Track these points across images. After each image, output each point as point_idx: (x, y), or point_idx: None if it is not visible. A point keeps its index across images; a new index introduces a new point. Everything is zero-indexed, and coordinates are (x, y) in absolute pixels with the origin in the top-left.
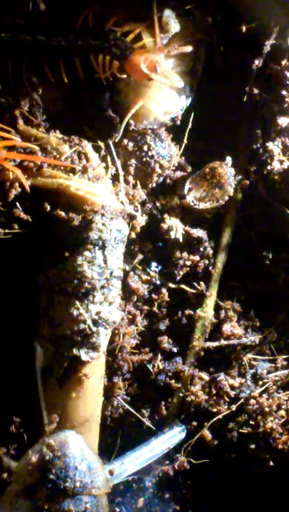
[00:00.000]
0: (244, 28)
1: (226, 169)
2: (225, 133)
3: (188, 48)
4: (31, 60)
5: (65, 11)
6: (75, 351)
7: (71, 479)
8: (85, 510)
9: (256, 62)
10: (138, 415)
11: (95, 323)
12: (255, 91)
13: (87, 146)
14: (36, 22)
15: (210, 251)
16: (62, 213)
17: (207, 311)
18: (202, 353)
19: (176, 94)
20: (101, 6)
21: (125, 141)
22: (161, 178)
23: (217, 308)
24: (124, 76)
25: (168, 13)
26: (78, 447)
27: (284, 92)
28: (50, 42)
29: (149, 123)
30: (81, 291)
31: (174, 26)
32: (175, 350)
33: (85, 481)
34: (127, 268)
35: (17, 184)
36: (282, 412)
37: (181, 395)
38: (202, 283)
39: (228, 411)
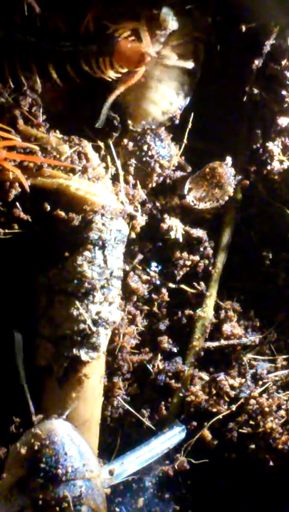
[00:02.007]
0: (244, 28)
1: (226, 169)
2: (225, 133)
3: (190, 65)
4: (27, 61)
5: (60, 14)
6: (75, 351)
7: (62, 465)
8: (80, 495)
9: (256, 62)
10: (138, 415)
11: (95, 323)
12: (255, 91)
13: (87, 146)
14: (32, 25)
15: (210, 251)
16: (62, 213)
17: (207, 311)
18: (202, 353)
19: (174, 93)
20: (100, 6)
21: (125, 141)
22: (161, 178)
23: (217, 308)
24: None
25: (165, 11)
26: (65, 433)
27: (284, 92)
28: (44, 46)
29: (147, 123)
30: (81, 291)
31: (172, 24)
32: (175, 350)
33: (76, 466)
34: (127, 268)
35: (17, 184)
36: (282, 412)
37: (181, 395)
38: (202, 283)
39: (228, 411)
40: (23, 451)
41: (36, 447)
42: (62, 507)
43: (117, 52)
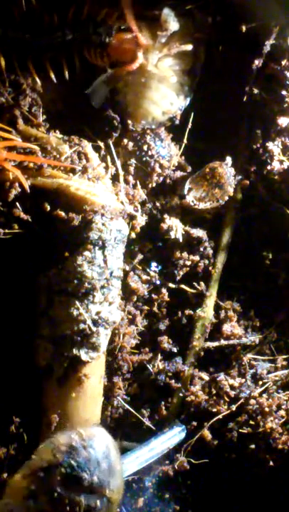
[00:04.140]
0: (244, 28)
1: (226, 169)
2: (225, 133)
3: (189, 47)
4: (24, 59)
5: (59, 9)
6: (75, 351)
7: (90, 472)
8: (94, 507)
9: (256, 62)
10: (138, 415)
11: (95, 323)
12: (255, 91)
13: (87, 146)
14: (27, 21)
15: (210, 251)
16: (62, 213)
17: (207, 311)
18: (202, 353)
19: (175, 93)
20: (101, 5)
21: (125, 140)
22: (161, 178)
23: (217, 308)
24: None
25: (167, 12)
26: (105, 445)
27: (284, 92)
28: (39, 42)
29: (147, 123)
30: (81, 291)
31: (173, 25)
32: (175, 350)
33: (102, 479)
34: (127, 268)
35: (17, 184)
36: (282, 412)
37: (181, 395)
38: (202, 283)
39: (228, 411)
40: (61, 440)
41: (74, 443)
42: (73, 510)
43: (112, 45)
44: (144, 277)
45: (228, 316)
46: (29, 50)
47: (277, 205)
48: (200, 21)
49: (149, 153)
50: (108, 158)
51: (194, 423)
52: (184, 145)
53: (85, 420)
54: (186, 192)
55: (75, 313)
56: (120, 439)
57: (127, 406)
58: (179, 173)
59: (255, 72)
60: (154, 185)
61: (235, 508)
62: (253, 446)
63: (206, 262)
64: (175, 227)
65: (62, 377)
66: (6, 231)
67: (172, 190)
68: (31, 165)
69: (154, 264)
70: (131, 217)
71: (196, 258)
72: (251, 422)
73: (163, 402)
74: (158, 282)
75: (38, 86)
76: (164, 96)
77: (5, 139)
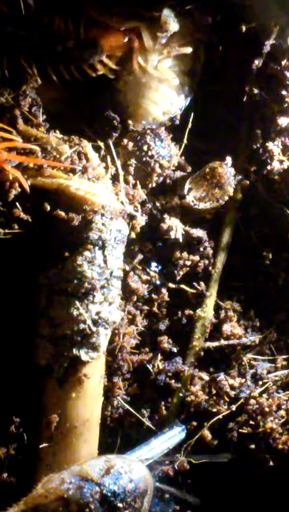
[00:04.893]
0: (244, 28)
1: (226, 169)
2: (225, 133)
3: (189, 49)
4: (16, 56)
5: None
6: (75, 351)
7: (127, 505)
8: None
9: (256, 62)
10: (138, 415)
11: (95, 323)
12: (255, 91)
13: (87, 146)
14: (25, 19)
15: (210, 251)
16: (62, 213)
17: (207, 311)
18: (202, 353)
19: (175, 93)
20: (99, 5)
21: (125, 141)
22: (161, 178)
23: (217, 308)
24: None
25: (167, 12)
26: (147, 486)
27: (284, 92)
28: (33, 41)
29: (147, 123)
30: (81, 291)
31: (173, 25)
32: (175, 350)
33: None
34: (127, 268)
35: (17, 184)
36: (282, 412)
37: (181, 395)
38: (202, 283)
39: (228, 411)
40: (113, 463)
41: (122, 471)
42: None
43: (104, 49)
44: (144, 277)
45: (228, 316)
46: (22, 48)
47: (277, 205)
48: (200, 21)
49: (149, 153)
50: (108, 158)
51: (194, 423)
52: (183, 145)
53: (84, 420)
54: (186, 192)
55: (75, 313)
56: (120, 438)
57: (127, 406)
58: (179, 173)
59: (255, 72)
60: (154, 185)
61: (235, 508)
62: (253, 446)
63: (206, 262)
64: (175, 227)
65: (62, 377)
66: (6, 231)
67: (172, 190)
68: (31, 165)
69: (154, 264)
70: (131, 217)
71: (196, 258)
72: (251, 422)
73: (163, 402)
74: (158, 282)
75: (35, 81)
76: (164, 96)
77: (5, 139)
